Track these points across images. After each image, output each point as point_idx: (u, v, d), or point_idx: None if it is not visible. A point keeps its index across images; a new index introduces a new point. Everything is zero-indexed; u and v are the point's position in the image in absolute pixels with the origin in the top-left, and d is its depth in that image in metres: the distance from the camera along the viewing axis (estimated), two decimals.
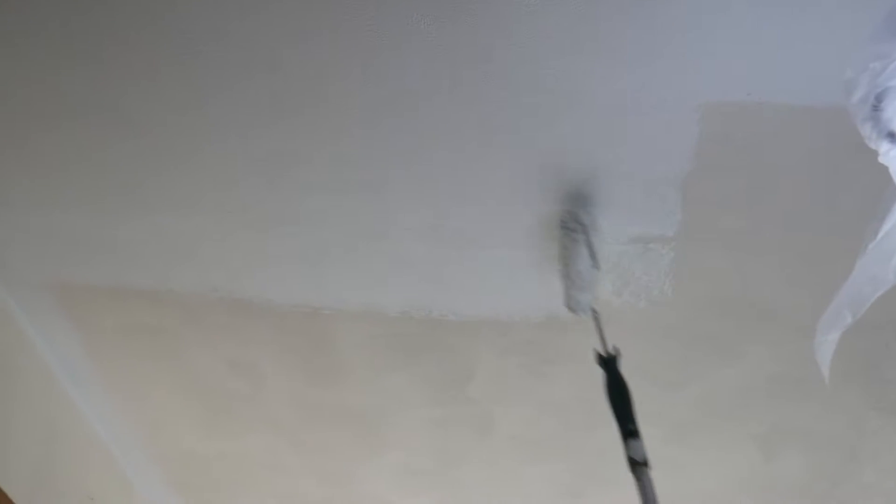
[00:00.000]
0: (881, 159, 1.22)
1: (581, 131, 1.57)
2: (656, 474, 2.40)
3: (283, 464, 2.43)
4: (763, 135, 1.60)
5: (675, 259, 1.81)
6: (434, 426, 2.30)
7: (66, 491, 2.08)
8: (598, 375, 2.11)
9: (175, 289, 1.95)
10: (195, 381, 2.15)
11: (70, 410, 2.16)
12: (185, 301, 1.96)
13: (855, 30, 1.38)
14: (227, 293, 1.93)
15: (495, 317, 1.97)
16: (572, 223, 1.67)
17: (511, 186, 1.67)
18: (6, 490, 1.79)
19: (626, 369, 2.09)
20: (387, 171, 1.66)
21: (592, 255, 1.67)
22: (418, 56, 1.45)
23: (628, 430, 1.55)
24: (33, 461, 1.94)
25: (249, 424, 2.25)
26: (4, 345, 1.92)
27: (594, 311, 1.75)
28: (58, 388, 2.11)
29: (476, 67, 1.47)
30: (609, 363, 1.64)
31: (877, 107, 1.16)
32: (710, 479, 2.37)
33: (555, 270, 1.78)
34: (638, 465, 1.50)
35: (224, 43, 1.45)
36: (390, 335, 2.03)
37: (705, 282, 1.87)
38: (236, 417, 2.25)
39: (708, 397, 2.14)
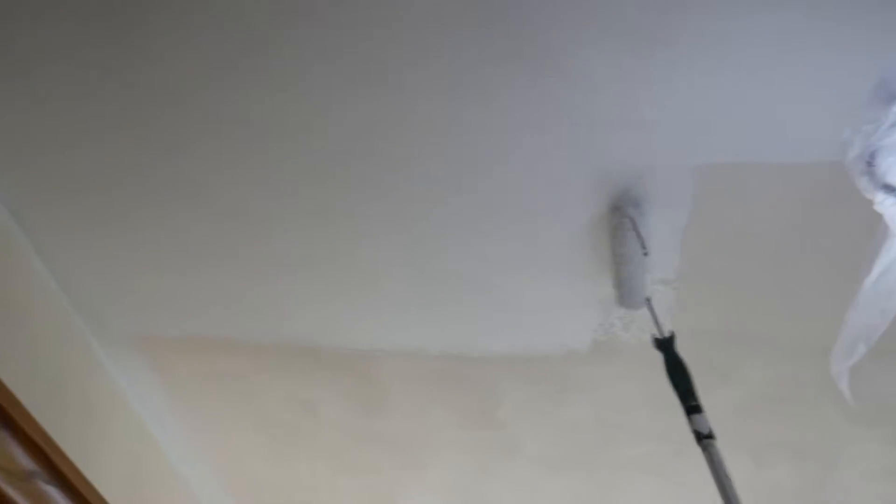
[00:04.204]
0: (877, 208, 1.18)
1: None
2: (665, 485, 2.33)
3: (338, 485, 2.35)
4: (750, 189, 1.55)
5: (675, 297, 1.75)
6: (467, 448, 2.23)
7: None
8: (608, 400, 2.07)
9: (242, 338, 1.89)
10: (262, 418, 2.09)
11: (153, 448, 2.09)
12: (251, 348, 1.90)
13: (835, 98, 1.34)
14: (289, 341, 1.87)
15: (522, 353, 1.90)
16: (620, 217, 1.48)
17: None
18: None
19: (637, 395, 2.04)
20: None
21: (641, 243, 1.49)
22: None
23: (691, 406, 1.41)
24: (121, 492, 1.87)
25: (310, 452, 2.19)
26: (97, 392, 1.85)
27: (648, 301, 1.59)
28: (143, 428, 2.04)
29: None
30: (666, 345, 1.50)
31: (871, 163, 1.13)
32: (711, 487, 2.28)
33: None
34: (704, 438, 1.38)
35: None
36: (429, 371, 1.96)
37: (702, 316, 1.80)
38: (299, 447, 2.18)
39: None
